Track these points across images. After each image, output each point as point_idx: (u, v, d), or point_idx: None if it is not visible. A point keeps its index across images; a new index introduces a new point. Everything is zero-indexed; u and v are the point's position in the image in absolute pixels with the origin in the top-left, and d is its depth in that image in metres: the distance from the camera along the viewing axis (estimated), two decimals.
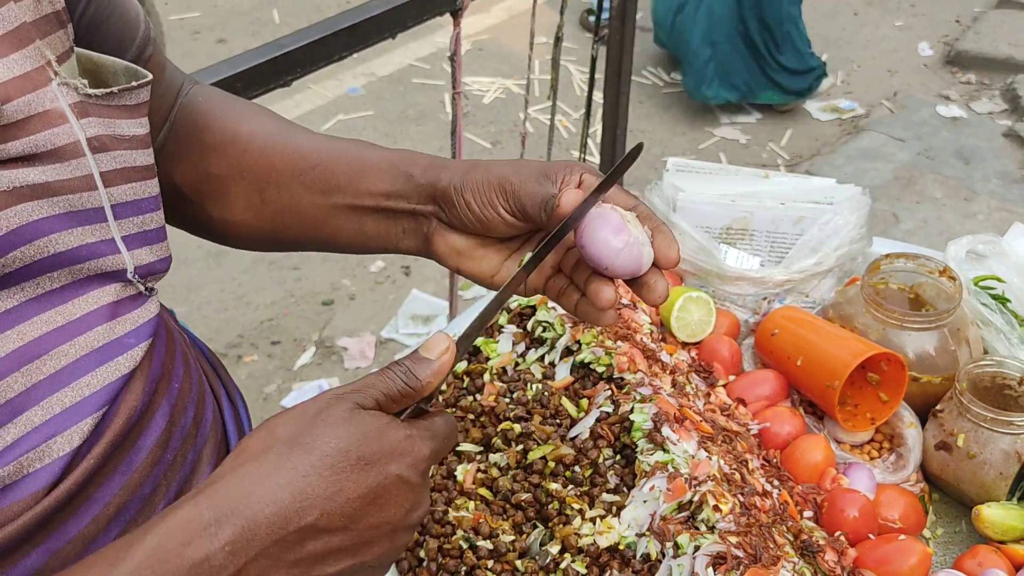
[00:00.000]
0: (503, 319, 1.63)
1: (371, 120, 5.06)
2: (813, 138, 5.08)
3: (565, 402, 1.44)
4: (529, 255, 0.88)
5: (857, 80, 5.51)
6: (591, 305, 0.91)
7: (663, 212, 1.79)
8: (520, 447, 1.43)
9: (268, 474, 0.70)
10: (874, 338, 1.61)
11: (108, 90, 0.78)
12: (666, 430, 1.33)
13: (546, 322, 1.56)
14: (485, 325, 0.83)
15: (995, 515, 1.44)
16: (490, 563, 1.30)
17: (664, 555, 1.23)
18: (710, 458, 1.31)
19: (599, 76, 3.22)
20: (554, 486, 1.36)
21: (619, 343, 1.49)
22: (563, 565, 1.27)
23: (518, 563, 1.30)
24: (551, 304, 1.58)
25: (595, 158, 3.74)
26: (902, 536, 1.39)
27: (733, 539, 1.19)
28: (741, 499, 1.29)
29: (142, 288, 0.84)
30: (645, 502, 1.30)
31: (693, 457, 1.30)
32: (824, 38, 5.73)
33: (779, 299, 1.75)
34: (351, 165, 0.98)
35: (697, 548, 1.20)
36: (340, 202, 0.98)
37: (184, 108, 1.03)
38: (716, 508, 1.23)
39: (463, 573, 1.30)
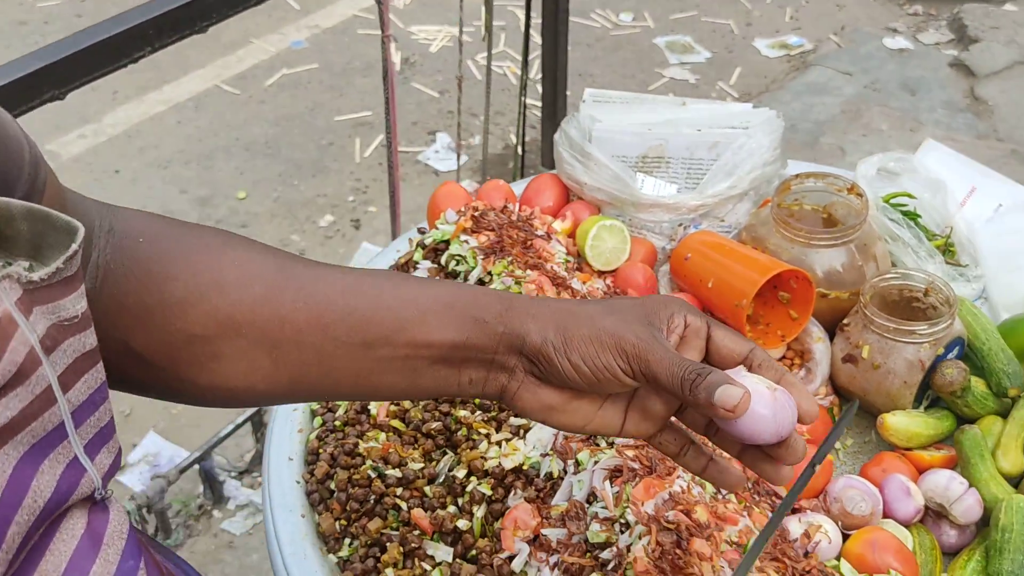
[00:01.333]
0: (418, 255, 1.64)
1: (316, 73, 5.00)
2: (762, 75, 5.07)
3: None
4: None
5: (805, 15, 5.49)
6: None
7: (579, 143, 1.79)
8: None
9: None
10: (785, 258, 1.63)
11: (54, 267, 0.56)
12: None
13: (459, 255, 1.57)
14: (758, 555, 0.79)
15: (899, 423, 1.47)
16: (399, 491, 1.32)
17: (566, 472, 1.25)
18: None
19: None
20: (463, 413, 1.38)
21: (529, 272, 1.50)
22: (469, 488, 1.29)
23: (427, 489, 1.31)
24: (464, 237, 1.59)
25: (538, 102, 3.72)
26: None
27: (630, 452, 1.21)
28: None
29: (99, 497, 0.64)
30: None
31: None
32: None
33: (695, 225, 1.76)
34: (397, 310, 0.81)
35: (596, 463, 1.22)
36: (389, 354, 0.81)
37: (121, 252, 0.77)
38: None
39: (372, 501, 1.31)
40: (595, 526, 1.17)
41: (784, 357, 1.62)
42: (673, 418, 0.86)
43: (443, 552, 1.25)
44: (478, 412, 1.38)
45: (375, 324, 0.80)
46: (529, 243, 1.58)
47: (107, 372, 0.64)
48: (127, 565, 0.62)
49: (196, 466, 2.78)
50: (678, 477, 1.21)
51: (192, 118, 4.83)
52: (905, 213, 1.76)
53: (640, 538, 1.13)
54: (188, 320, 0.77)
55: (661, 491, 1.17)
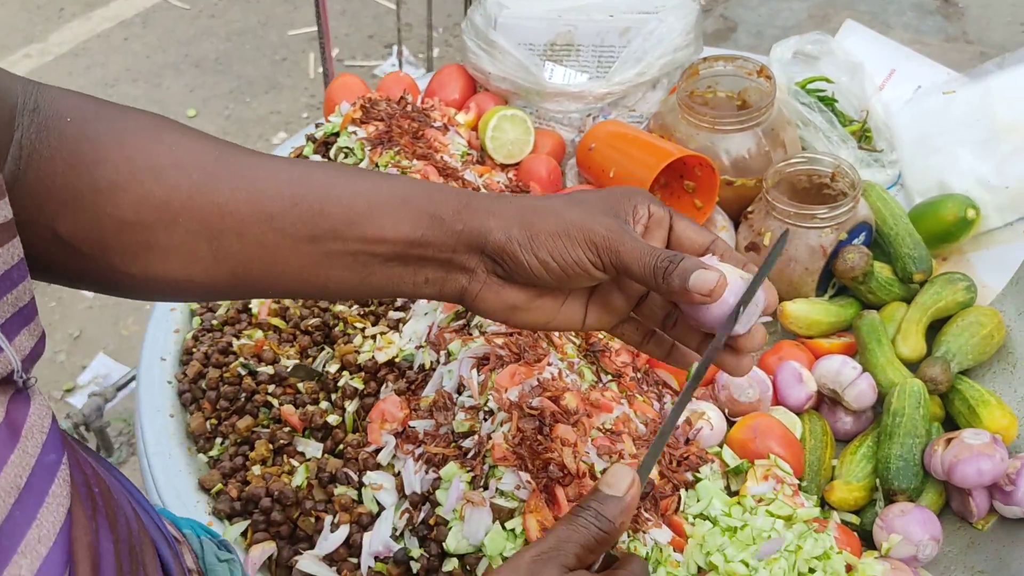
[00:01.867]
0: (308, 149, 1.57)
1: None
2: None
3: None
4: (697, 366, 0.77)
5: None
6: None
7: (484, 31, 1.71)
8: None
9: None
10: (693, 147, 1.56)
11: None
12: None
13: (347, 148, 1.50)
14: (662, 449, 0.76)
15: (798, 310, 1.43)
16: (271, 388, 1.28)
17: (439, 363, 1.21)
18: None
19: None
20: (339, 308, 1.33)
21: (416, 162, 1.44)
22: (341, 383, 1.24)
23: (300, 386, 1.27)
24: (352, 128, 1.52)
25: None
26: None
27: (499, 340, 1.16)
28: None
29: (21, 383, 0.59)
30: (426, 314, 1.27)
31: None
32: None
33: (604, 115, 1.69)
34: (347, 203, 0.76)
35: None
36: (337, 249, 0.76)
37: (47, 132, 0.71)
38: None
39: (242, 399, 1.27)
40: (460, 415, 1.13)
41: None
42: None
43: (313, 448, 1.21)
44: (355, 307, 1.33)
45: (323, 217, 0.75)
46: (420, 134, 1.51)
47: (35, 261, 0.61)
48: (48, 459, 0.57)
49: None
50: (549, 365, 1.16)
51: (140, 35, 4.70)
52: (821, 98, 1.69)
53: (501, 425, 1.09)
54: (120, 206, 0.72)
55: (529, 378, 1.12)
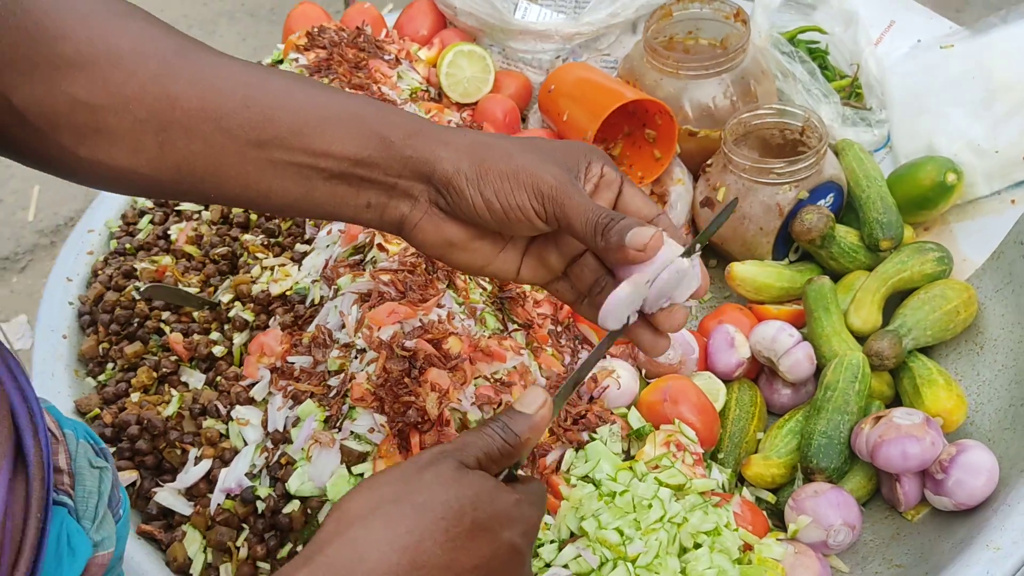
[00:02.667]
0: None
1: None
2: None
3: None
4: (635, 317, 0.74)
5: None
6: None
7: None
8: None
9: (379, 539, 0.62)
10: (660, 95, 1.45)
11: None
12: None
13: None
14: (581, 382, 0.74)
15: (746, 271, 1.31)
16: (165, 315, 1.22)
17: (329, 299, 1.14)
18: None
19: None
20: (247, 237, 1.27)
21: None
22: (232, 313, 1.18)
23: (196, 315, 1.22)
24: (293, 55, 1.45)
25: None
26: None
27: (385, 277, 1.08)
28: None
29: None
30: (327, 247, 1.20)
31: None
32: None
33: (575, 58, 1.59)
34: (298, 112, 0.75)
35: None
36: (282, 158, 0.75)
37: (13, 1, 0.71)
38: (382, 248, 1.12)
39: (135, 325, 1.22)
40: (334, 352, 1.06)
41: None
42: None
43: (196, 378, 1.16)
44: (261, 236, 1.27)
45: (272, 123, 0.74)
46: (363, 64, 1.44)
47: None
48: None
49: None
50: (440, 307, 1.08)
51: None
52: (811, 51, 1.56)
53: (368, 364, 1.01)
54: (75, 84, 0.72)
55: (410, 318, 1.05)
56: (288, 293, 1.17)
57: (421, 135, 0.75)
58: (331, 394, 1.02)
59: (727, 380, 1.23)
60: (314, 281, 1.17)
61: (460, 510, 0.64)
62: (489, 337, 1.11)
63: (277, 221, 1.28)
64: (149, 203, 1.40)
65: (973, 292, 1.27)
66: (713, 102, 1.43)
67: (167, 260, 1.28)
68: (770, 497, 1.15)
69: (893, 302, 1.28)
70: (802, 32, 1.57)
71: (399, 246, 1.13)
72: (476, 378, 1.06)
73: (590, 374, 1.13)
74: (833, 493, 1.06)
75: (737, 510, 1.05)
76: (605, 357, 1.20)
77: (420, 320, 1.05)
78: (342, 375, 1.03)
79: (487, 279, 1.22)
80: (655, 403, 1.13)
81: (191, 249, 1.31)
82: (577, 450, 1.06)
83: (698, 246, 0.76)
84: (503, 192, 0.73)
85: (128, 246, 1.33)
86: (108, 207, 1.41)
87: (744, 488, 1.15)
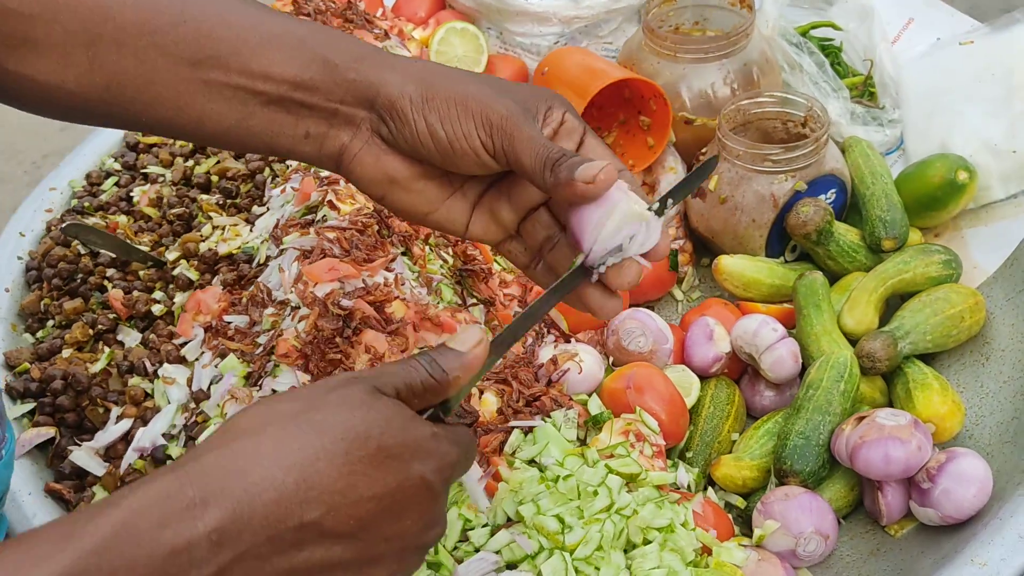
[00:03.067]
0: None
1: None
2: None
3: None
4: (578, 262, 0.67)
5: None
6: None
7: None
8: (191, 162, 1.28)
9: (268, 453, 0.55)
10: (659, 81, 1.37)
11: None
12: None
13: None
14: (526, 330, 0.69)
15: (734, 265, 1.22)
16: (111, 271, 1.16)
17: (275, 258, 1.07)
18: None
19: None
20: (204, 197, 1.21)
21: None
22: (176, 272, 1.12)
23: (141, 273, 1.15)
24: None
25: None
26: None
27: (332, 234, 1.01)
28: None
29: None
30: (282, 206, 1.13)
31: None
32: None
33: (574, 44, 1.52)
34: (239, 31, 0.70)
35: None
36: (218, 79, 0.70)
37: None
38: (333, 206, 1.05)
39: (78, 280, 1.16)
40: (269, 310, 0.98)
41: None
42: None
43: (132, 337, 1.09)
44: (218, 196, 1.20)
45: (209, 40, 0.70)
46: (348, 33, 1.38)
47: None
48: None
49: None
50: (387, 270, 1.00)
51: None
52: (824, 47, 1.47)
53: (300, 321, 0.94)
54: None
55: (352, 278, 0.97)
56: (235, 252, 1.10)
57: (368, 60, 0.71)
58: (257, 351, 0.94)
59: (704, 376, 1.14)
60: (263, 241, 1.10)
61: (365, 433, 0.56)
62: (442, 309, 1.03)
63: (237, 182, 1.22)
64: (116, 164, 1.35)
65: (981, 298, 1.16)
66: (712, 89, 1.35)
67: (122, 219, 1.22)
68: (739, 502, 1.04)
69: (893, 307, 1.18)
70: (815, 28, 1.49)
71: (352, 206, 1.06)
72: (421, 347, 0.98)
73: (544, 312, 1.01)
74: (806, 497, 0.96)
75: (698, 510, 0.95)
76: (565, 339, 1.11)
77: (363, 281, 0.97)
78: (272, 332, 0.95)
79: (450, 250, 1.14)
80: (618, 390, 1.04)
81: (150, 211, 1.25)
82: (526, 434, 0.97)
83: (670, 201, 0.69)
84: (449, 119, 0.68)
85: (87, 204, 1.27)
86: (75, 167, 1.36)
87: (713, 491, 1.05)
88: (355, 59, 0.70)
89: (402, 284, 1.00)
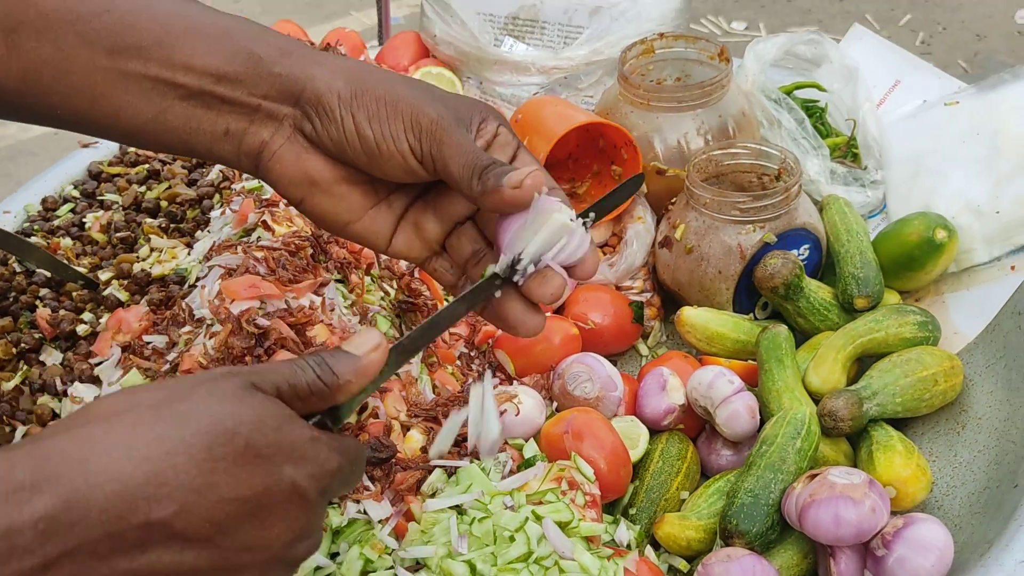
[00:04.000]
0: None
1: None
2: None
3: None
4: (494, 269, 0.64)
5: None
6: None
7: None
8: (143, 188, 1.25)
9: (118, 441, 0.49)
10: (632, 131, 1.33)
11: None
12: None
13: None
14: (430, 340, 0.67)
15: (697, 317, 1.16)
16: (44, 291, 1.12)
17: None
18: None
19: None
20: (149, 221, 1.17)
21: None
22: (106, 292, 1.07)
23: (74, 294, 1.11)
24: None
25: None
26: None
27: (259, 253, 0.96)
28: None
29: None
30: (222, 229, 1.09)
31: None
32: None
33: (553, 95, 1.50)
34: (164, 21, 0.67)
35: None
36: (136, 70, 0.66)
37: None
38: (267, 227, 1.01)
39: (10, 299, 1.12)
40: (186, 328, 0.93)
41: (607, 244, 1.33)
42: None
43: (54, 357, 1.04)
44: (162, 219, 1.17)
45: (133, 30, 0.67)
46: None
47: None
48: None
49: None
50: (315, 293, 0.95)
51: None
52: (807, 108, 1.43)
53: (212, 338, 0.88)
54: None
55: (274, 298, 0.92)
56: (168, 274, 1.06)
57: (295, 54, 0.68)
58: (164, 368, 0.89)
59: (656, 429, 1.06)
60: (198, 263, 1.06)
61: (233, 428, 0.51)
62: None
63: (184, 207, 1.18)
64: (75, 192, 1.33)
65: (958, 362, 1.09)
66: (686, 140, 1.31)
67: (67, 241, 1.19)
68: (683, 565, 0.96)
69: (864, 370, 1.11)
70: (799, 88, 1.45)
71: (289, 228, 1.01)
72: None
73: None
74: (749, 560, 0.88)
75: (631, 568, 0.87)
76: (508, 379, 1.05)
77: (287, 302, 0.92)
78: (183, 350, 0.90)
79: (395, 283, 1.09)
80: (556, 436, 0.97)
81: (99, 236, 1.21)
82: (450, 475, 0.90)
83: (591, 215, 0.66)
84: (378, 117, 0.65)
85: (36, 228, 1.24)
86: (32, 192, 1.34)
87: (655, 552, 0.96)
88: (282, 53, 0.68)
89: (331, 310, 0.95)
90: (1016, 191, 1.19)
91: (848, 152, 1.40)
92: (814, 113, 1.44)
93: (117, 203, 1.26)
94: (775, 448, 0.96)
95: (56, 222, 1.27)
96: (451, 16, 1.53)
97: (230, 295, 0.90)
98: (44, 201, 1.31)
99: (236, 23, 0.70)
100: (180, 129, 0.68)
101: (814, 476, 0.91)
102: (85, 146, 1.41)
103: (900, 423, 1.07)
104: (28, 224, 1.27)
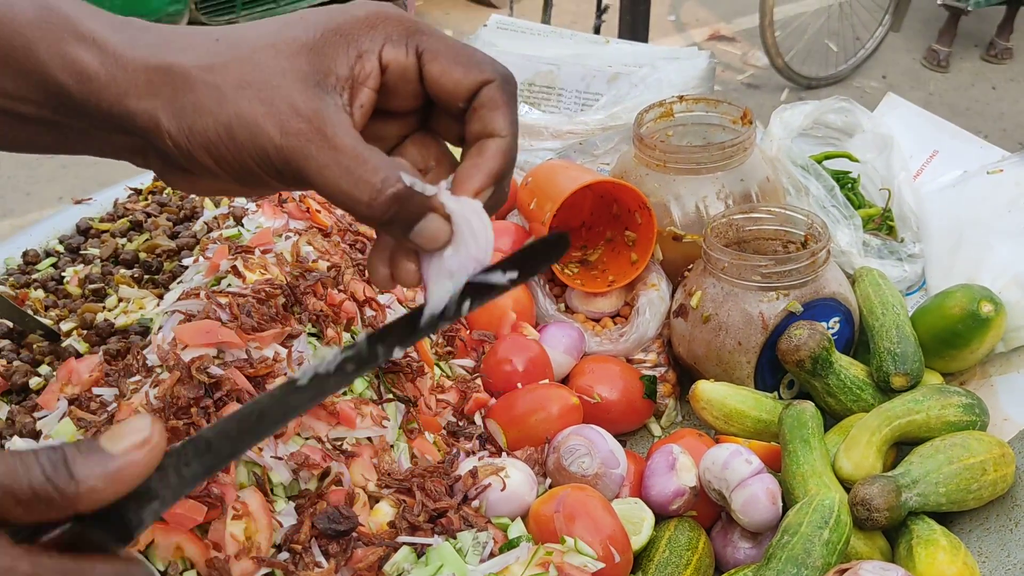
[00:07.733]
0: None
1: None
2: None
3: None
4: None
5: None
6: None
7: None
8: (124, 240, 1.18)
9: None
10: (650, 196, 1.25)
11: None
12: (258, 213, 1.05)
13: None
14: (269, 432, 0.50)
15: (713, 392, 1.04)
16: (3, 343, 1.04)
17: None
18: (287, 238, 1.00)
19: None
20: (122, 271, 1.10)
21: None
22: (65, 343, 0.99)
23: (36, 346, 1.03)
24: None
25: None
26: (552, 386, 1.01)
27: (224, 299, 0.87)
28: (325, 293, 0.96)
29: None
30: (193, 278, 1.01)
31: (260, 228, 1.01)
32: (952, 107, 5.01)
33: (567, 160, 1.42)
34: None
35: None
36: None
37: None
38: (238, 274, 0.92)
39: None
40: (135, 377, 0.84)
41: (619, 315, 1.23)
42: None
43: (3, 411, 0.95)
44: (136, 269, 1.09)
45: None
46: None
47: None
48: None
49: None
50: (283, 344, 0.86)
51: None
52: (839, 179, 1.34)
53: (155, 385, 0.79)
54: None
55: (234, 347, 0.82)
56: (131, 324, 0.97)
57: (99, 80, 0.53)
58: (102, 417, 0.79)
59: (664, 514, 0.94)
60: (164, 313, 0.97)
61: None
62: (347, 399, 0.87)
63: (161, 258, 1.11)
64: (60, 247, 1.26)
65: (1009, 451, 0.96)
66: (704, 204, 1.21)
67: (39, 293, 1.11)
68: None
69: (902, 457, 0.99)
70: (829, 158, 1.36)
71: (262, 275, 0.93)
72: (307, 437, 0.81)
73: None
74: None
75: None
76: (505, 455, 0.93)
77: (248, 352, 0.83)
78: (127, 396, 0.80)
79: None
80: (546, 515, 0.85)
81: (74, 290, 1.13)
82: (420, 555, 0.79)
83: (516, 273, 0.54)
84: (223, 158, 0.53)
85: (11, 281, 1.17)
86: (16, 246, 1.27)
87: None
88: (82, 79, 0.53)
89: (298, 364, 0.85)
90: None
91: (883, 224, 1.30)
92: (846, 184, 1.35)
93: (98, 257, 1.19)
94: (799, 539, 0.83)
95: (37, 275, 1.20)
96: None
97: (182, 341, 0.81)
98: (25, 255, 1.24)
99: (18, 23, 0.53)
100: (50, 146, 0.58)
101: (844, 571, 0.78)
102: (78, 202, 1.35)
103: (944, 518, 0.94)
104: (5, 276, 1.20)
